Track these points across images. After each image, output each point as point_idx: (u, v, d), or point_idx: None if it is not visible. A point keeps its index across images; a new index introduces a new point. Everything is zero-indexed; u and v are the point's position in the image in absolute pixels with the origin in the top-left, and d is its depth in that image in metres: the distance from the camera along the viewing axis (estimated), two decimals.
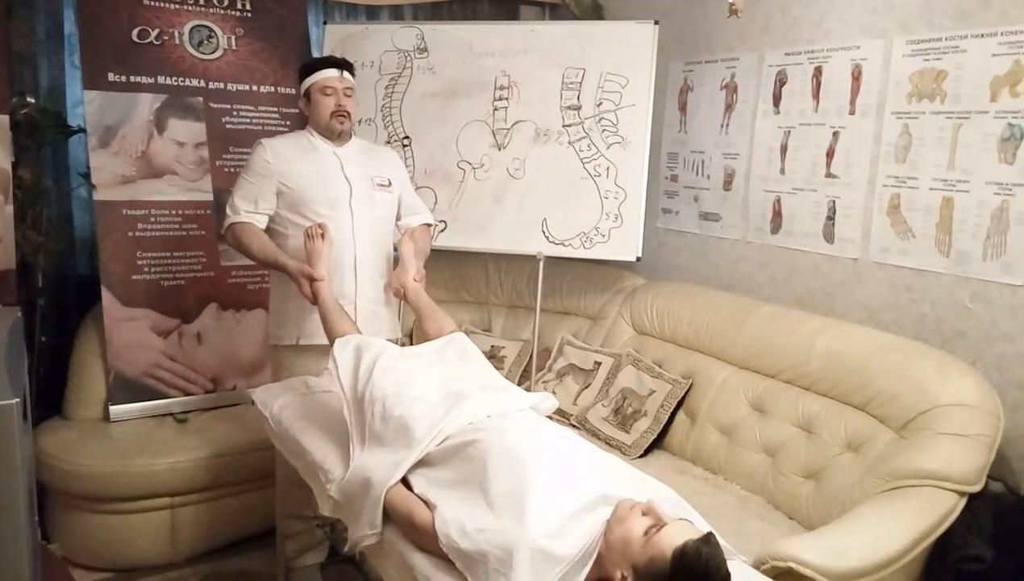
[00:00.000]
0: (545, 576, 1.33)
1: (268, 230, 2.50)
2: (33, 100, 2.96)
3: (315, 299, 2.30)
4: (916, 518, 1.91)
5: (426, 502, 1.59)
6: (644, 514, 1.33)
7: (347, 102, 2.50)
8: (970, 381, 2.12)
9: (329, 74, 2.49)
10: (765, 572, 1.66)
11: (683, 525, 1.31)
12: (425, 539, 1.54)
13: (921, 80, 2.48)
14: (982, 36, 2.31)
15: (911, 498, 1.97)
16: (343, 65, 2.53)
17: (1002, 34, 2.26)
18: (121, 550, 2.71)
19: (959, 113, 2.38)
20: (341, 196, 2.48)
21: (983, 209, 2.32)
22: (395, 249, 2.60)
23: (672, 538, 1.25)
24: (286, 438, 2.13)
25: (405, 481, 1.68)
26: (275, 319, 2.56)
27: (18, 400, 1.12)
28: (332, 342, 2.11)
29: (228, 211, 2.48)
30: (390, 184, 2.61)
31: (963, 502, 1.98)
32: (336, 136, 2.53)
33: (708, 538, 1.24)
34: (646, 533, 1.29)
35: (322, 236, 2.35)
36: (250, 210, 2.46)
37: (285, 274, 2.39)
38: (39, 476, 2.53)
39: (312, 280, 2.31)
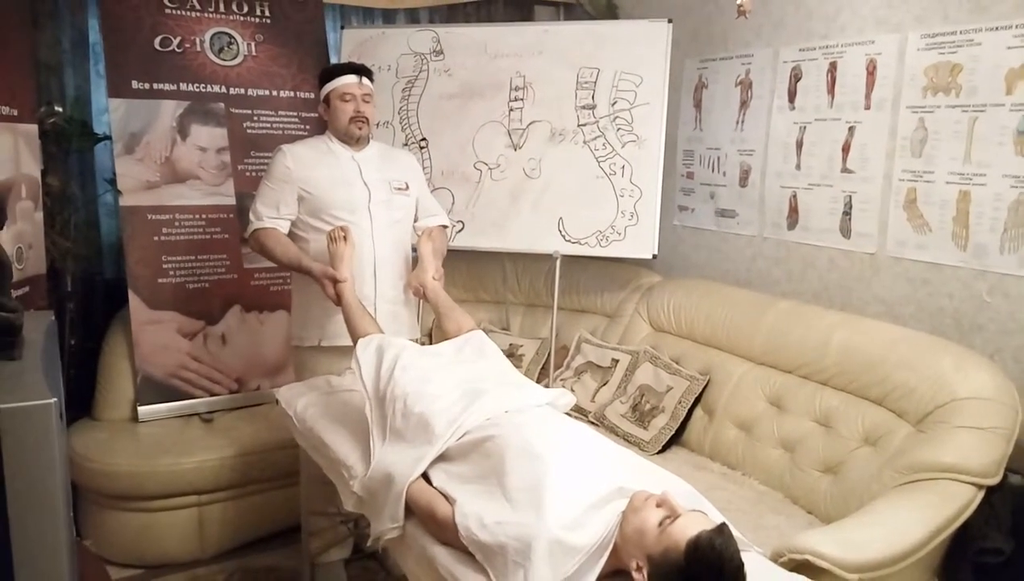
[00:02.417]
0: (562, 567, 1.36)
1: (290, 234, 2.54)
2: (60, 109, 3.03)
3: (339, 300, 2.34)
4: (934, 511, 1.91)
5: (446, 496, 1.63)
6: (659, 505, 1.35)
7: (366, 108, 2.53)
8: (987, 374, 2.12)
9: (348, 80, 2.52)
10: (783, 565, 1.67)
11: (697, 516, 1.33)
12: (446, 532, 1.58)
13: (936, 74, 2.47)
14: (997, 28, 2.31)
15: (929, 491, 1.97)
16: (362, 71, 2.56)
17: (1017, 26, 2.26)
18: (150, 547, 2.77)
19: (975, 106, 2.37)
20: (360, 200, 2.52)
21: (1000, 202, 2.32)
22: (413, 250, 2.63)
23: (686, 529, 1.27)
24: (310, 436, 2.17)
25: (425, 476, 1.72)
26: (297, 321, 2.61)
27: (56, 399, 1.16)
28: (355, 342, 2.15)
29: (251, 217, 2.52)
30: (407, 187, 2.64)
31: (981, 495, 1.98)
32: (355, 141, 2.56)
33: (721, 529, 1.26)
34: (660, 524, 1.31)
35: (344, 238, 2.39)
36: (273, 216, 2.50)
37: (309, 277, 2.43)
38: (70, 475, 2.59)
39: (336, 282, 2.34)
